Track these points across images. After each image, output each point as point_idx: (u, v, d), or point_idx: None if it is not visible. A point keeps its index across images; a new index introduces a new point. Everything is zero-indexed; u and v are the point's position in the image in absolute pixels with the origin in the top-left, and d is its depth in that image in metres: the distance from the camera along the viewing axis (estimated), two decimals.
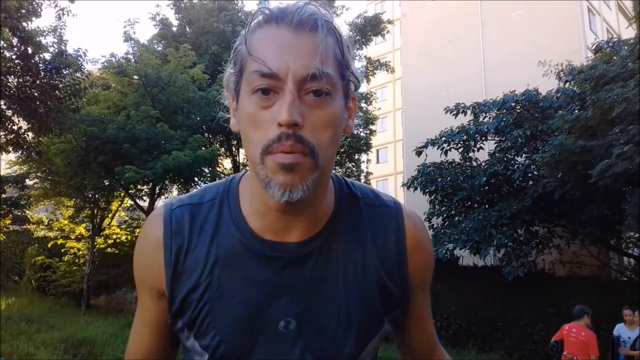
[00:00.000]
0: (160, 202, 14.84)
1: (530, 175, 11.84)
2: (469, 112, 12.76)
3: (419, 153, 12.90)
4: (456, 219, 12.43)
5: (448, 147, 12.85)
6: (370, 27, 18.83)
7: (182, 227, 0.81)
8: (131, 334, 0.90)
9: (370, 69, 19.62)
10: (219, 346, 0.77)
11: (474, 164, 13.02)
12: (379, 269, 0.82)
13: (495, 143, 12.89)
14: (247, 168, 0.84)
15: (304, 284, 0.79)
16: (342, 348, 0.78)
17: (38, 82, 9.89)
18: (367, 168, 21.90)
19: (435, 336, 1.00)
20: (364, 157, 19.83)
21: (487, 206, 12.28)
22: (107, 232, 15.82)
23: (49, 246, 16.55)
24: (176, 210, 0.83)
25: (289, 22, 0.70)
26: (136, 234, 16.00)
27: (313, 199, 0.76)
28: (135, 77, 13.42)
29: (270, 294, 0.78)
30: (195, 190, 0.88)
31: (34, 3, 9.50)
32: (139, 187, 13.96)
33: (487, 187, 12.22)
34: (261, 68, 0.69)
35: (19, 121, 10.43)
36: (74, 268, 15.86)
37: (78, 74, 10.64)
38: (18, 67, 9.79)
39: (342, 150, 17.38)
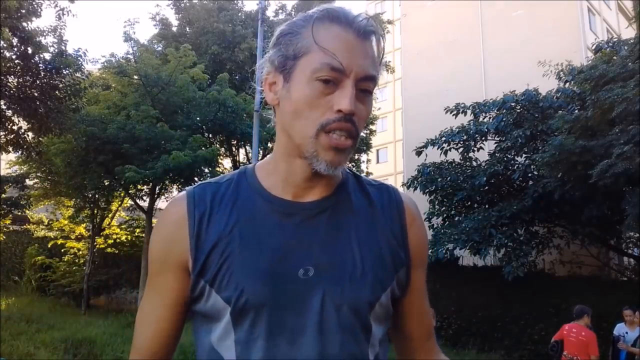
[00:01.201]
0: (160, 203, 14.86)
1: (530, 175, 11.84)
2: (469, 112, 12.76)
3: (419, 153, 12.90)
4: (456, 219, 12.43)
5: (448, 147, 12.85)
6: None
7: (204, 198, 0.89)
8: (140, 324, 0.93)
9: None
10: (242, 295, 0.81)
11: (474, 164, 13.02)
12: (385, 229, 0.92)
13: (495, 143, 12.89)
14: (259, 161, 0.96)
15: (320, 235, 0.86)
16: (360, 293, 0.85)
17: (38, 82, 9.90)
18: (367, 168, 21.89)
19: (432, 329, 1.03)
20: (364, 157, 19.82)
21: (487, 206, 12.28)
22: (107, 232, 15.82)
23: (49, 246, 16.54)
24: (197, 188, 0.92)
25: (357, 29, 0.83)
26: (136, 234, 16.01)
27: None
28: (135, 77, 13.42)
29: (289, 245, 0.85)
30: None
31: (34, 3, 9.50)
32: (139, 187, 13.96)
33: (487, 187, 12.22)
34: (332, 62, 0.81)
35: (19, 121, 10.44)
36: (74, 268, 15.85)
37: (78, 74, 10.65)
38: (18, 67, 9.79)
39: None
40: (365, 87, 0.84)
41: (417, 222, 0.97)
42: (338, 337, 0.82)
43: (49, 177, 14.69)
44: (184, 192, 0.93)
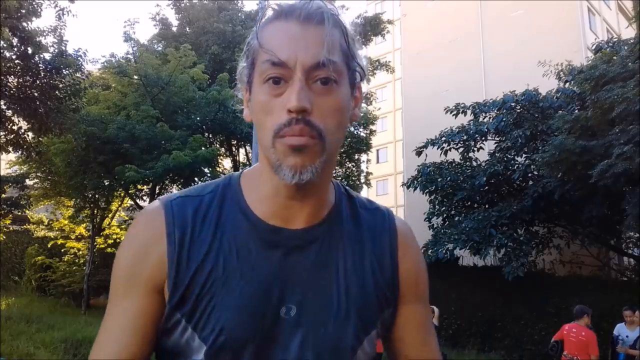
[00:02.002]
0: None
1: (530, 175, 11.85)
2: (469, 112, 12.76)
3: (419, 153, 12.90)
4: (456, 219, 12.43)
5: (448, 147, 12.86)
6: (370, 27, 18.83)
7: (185, 217, 0.80)
8: (100, 343, 0.79)
9: (370, 69, 19.61)
10: (221, 335, 0.75)
11: (474, 164, 13.03)
12: (374, 264, 0.85)
13: (495, 143, 12.89)
14: (248, 168, 0.88)
15: (306, 271, 0.80)
16: (342, 338, 0.79)
17: (38, 82, 9.90)
18: (367, 168, 21.90)
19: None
20: (364, 157, 19.82)
21: (487, 206, 12.29)
22: (107, 232, 15.82)
23: (49, 246, 16.54)
24: (176, 201, 0.82)
25: (297, 16, 0.75)
26: None
27: (319, 183, 0.79)
28: (135, 77, 13.43)
29: (273, 279, 0.78)
30: (192, 186, 0.88)
31: (34, 3, 9.50)
32: (139, 187, 13.97)
33: (487, 187, 12.22)
34: (272, 58, 0.74)
35: (19, 121, 10.44)
36: (74, 268, 15.85)
37: (78, 74, 10.65)
38: (18, 67, 9.79)
39: (342, 150, 17.39)
40: (322, 75, 0.74)
41: (411, 252, 0.90)
42: None
43: (49, 177, 14.69)
44: (158, 205, 0.82)
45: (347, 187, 0.93)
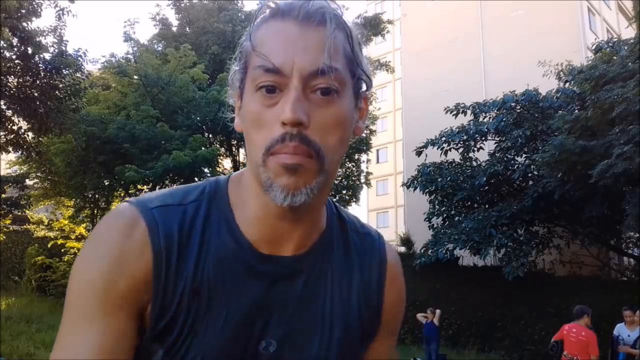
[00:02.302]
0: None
1: (530, 175, 11.85)
2: (469, 112, 12.76)
3: (419, 153, 12.91)
4: (456, 219, 12.44)
5: (448, 147, 12.86)
6: (370, 27, 18.82)
7: (171, 232, 0.69)
8: None
9: (371, 69, 19.53)
10: None
11: (474, 164, 13.03)
12: (361, 297, 0.79)
13: (495, 143, 12.90)
14: (235, 173, 0.79)
15: (290, 303, 0.73)
16: None
17: (38, 82, 9.90)
18: (367, 168, 21.89)
19: None
20: (364, 157, 19.81)
21: (487, 206, 12.29)
22: None
23: (49, 246, 16.53)
24: (157, 211, 0.70)
25: (296, 15, 0.66)
26: None
27: (314, 206, 0.71)
28: (135, 77, 13.43)
29: (257, 311, 0.71)
30: (170, 189, 0.77)
31: (34, 3, 9.50)
32: (139, 187, 13.96)
33: (487, 187, 12.23)
34: (265, 63, 0.65)
35: (19, 121, 10.44)
36: None
37: (78, 74, 10.65)
38: (18, 67, 9.80)
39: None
40: (322, 84, 0.65)
41: (396, 284, 0.83)
42: None
43: (49, 177, 14.70)
44: (136, 212, 0.69)
45: (338, 205, 0.85)
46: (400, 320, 0.86)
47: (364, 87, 0.74)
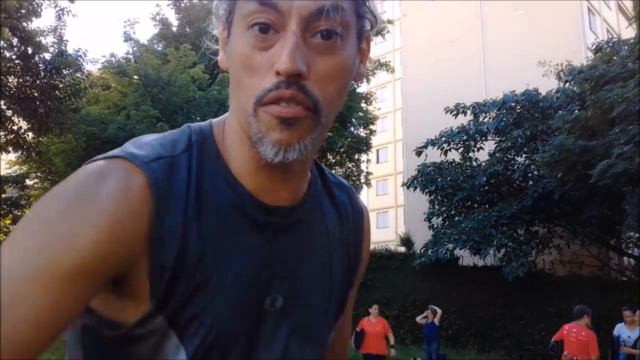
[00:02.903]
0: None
1: (530, 175, 11.86)
2: (469, 112, 12.76)
3: (419, 153, 12.91)
4: (456, 219, 12.44)
5: (448, 147, 12.86)
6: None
7: (170, 185, 0.60)
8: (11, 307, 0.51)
9: (371, 69, 19.63)
10: (210, 332, 0.61)
11: (474, 164, 13.04)
12: (350, 246, 0.76)
13: (495, 143, 12.90)
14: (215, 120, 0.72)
15: (292, 256, 0.68)
16: (325, 329, 0.72)
17: (38, 82, 9.90)
18: (367, 168, 21.90)
19: (347, 347, 0.88)
20: (364, 157, 19.82)
21: (487, 206, 12.29)
22: None
23: None
24: (153, 164, 0.60)
25: None
26: None
27: (306, 160, 0.65)
28: (135, 77, 13.44)
29: (259, 265, 0.65)
30: (154, 136, 0.67)
31: (34, 3, 9.51)
32: None
33: (487, 187, 12.23)
34: None
35: (19, 121, 10.44)
36: None
37: (78, 74, 10.65)
38: (18, 67, 9.80)
39: (342, 150, 17.40)
40: (324, 27, 0.56)
41: (368, 235, 0.82)
42: None
43: (49, 177, 14.69)
44: (130, 164, 0.58)
45: (315, 160, 0.77)
46: (364, 267, 0.84)
47: (368, 27, 0.66)
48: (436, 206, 13.06)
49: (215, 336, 0.61)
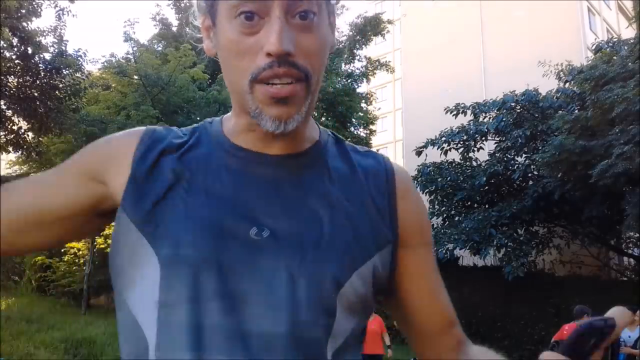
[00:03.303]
0: None
1: (530, 175, 11.86)
2: (469, 112, 12.76)
3: (419, 153, 12.91)
4: (456, 219, 12.44)
5: (448, 147, 12.86)
6: (370, 27, 18.82)
7: (163, 136, 0.76)
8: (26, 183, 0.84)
9: (370, 69, 19.62)
10: (176, 247, 0.66)
11: (474, 164, 13.03)
12: (366, 198, 0.75)
13: (495, 143, 12.90)
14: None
15: (283, 195, 0.71)
16: (323, 266, 0.68)
17: (38, 82, 9.90)
18: None
19: (450, 321, 0.82)
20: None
21: (487, 206, 12.29)
22: (107, 232, 15.79)
23: None
24: (158, 128, 0.78)
25: None
26: None
27: (302, 122, 0.71)
28: (135, 77, 13.44)
29: (243, 199, 0.70)
30: None
31: (34, 3, 9.51)
32: None
33: (487, 187, 12.23)
34: None
35: (19, 121, 10.44)
36: (74, 268, 15.85)
37: (78, 74, 10.65)
38: (18, 67, 9.80)
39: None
40: (301, 7, 0.65)
41: (410, 195, 0.80)
42: (286, 315, 0.64)
43: None
44: (143, 127, 0.79)
45: (336, 133, 0.85)
46: (428, 230, 0.83)
47: (334, 1, 0.74)
48: (436, 206, 13.06)
49: (181, 250, 0.65)
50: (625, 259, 14.02)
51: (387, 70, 19.97)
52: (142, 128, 0.78)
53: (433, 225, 12.78)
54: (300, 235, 0.69)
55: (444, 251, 11.23)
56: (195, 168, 0.72)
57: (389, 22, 19.62)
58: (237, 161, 0.73)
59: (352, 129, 18.25)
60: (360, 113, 18.25)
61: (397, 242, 0.76)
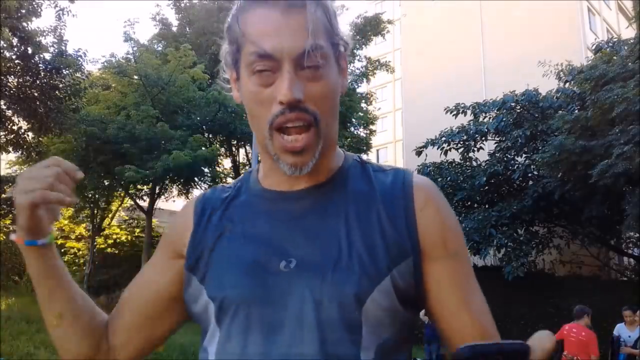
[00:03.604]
0: (160, 202, 14.83)
1: (530, 175, 11.85)
2: (469, 112, 12.76)
3: (419, 153, 12.90)
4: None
5: (448, 147, 12.85)
6: (370, 27, 18.81)
7: (212, 196, 0.91)
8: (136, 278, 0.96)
9: (370, 69, 19.61)
10: (222, 290, 0.78)
11: (474, 164, 13.03)
12: (382, 215, 0.80)
13: (495, 143, 12.89)
14: (247, 169, 0.96)
15: (306, 224, 0.80)
16: (343, 285, 0.74)
17: (38, 82, 9.90)
18: None
19: (488, 326, 0.83)
20: (364, 157, 19.82)
21: (487, 206, 12.28)
22: (107, 232, 15.83)
23: None
24: (210, 189, 0.95)
25: (280, 3, 0.75)
26: (136, 234, 16.03)
27: (319, 159, 0.81)
28: (135, 77, 13.43)
29: (275, 237, 0.80)
30: None
31: (34, 3, 9.50)
32: (139, 187, 13.96)
33: (487, 187, 12.22)
34: (258, 50, 0.75)
35: (19, 121, 10.44)
36: (74, 268, 15.87)
37: (78, 74, 10.65)
38: (18, 67, 9.79)
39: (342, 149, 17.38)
40: (310, 63, 0.74)
41: (431, 205, 0.83)
42: (316, 335, 0.72)
43: None
44: (195, 196, 0.96)
45: (365, 158, 0.95)
46: (455, 239, 0.84)
47: (342, 49, 0.83)
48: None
49: (227, 293, 0.78)
50: (625, 259, 14.02)
51: (387, 70, 19.97)
52: (195, 197, 0.94)
53: None
54: (320, 260, 0.77)
55: None
56: (235, 217, 0.85)
57: (389, 22, 19.61)
58: (268, 203, 0.84)
59: (352, 129, 18.24)
60: (360, 113, 18.25)
61: (419, 255, 0.80)
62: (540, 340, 0.62)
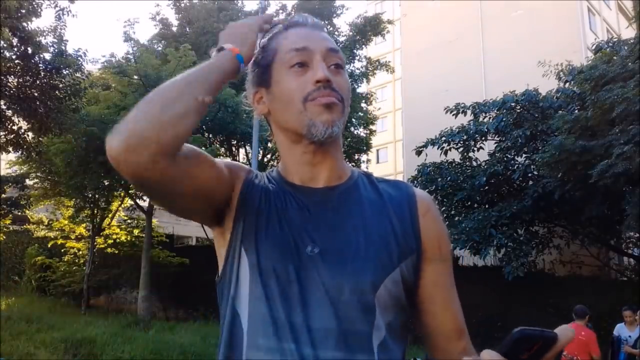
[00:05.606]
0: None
1: (530, 175, 11.84)
2: (469, 112, 12.75)
3: (419, 153, 12.90)
4: (456, 219, 12.42)
5: (448, 147, 12.85)
6: (370, 27, 18.80)
7: (255, 179, 1.02)
8: None
9: (370, 69, 19.61)
10: (262, 258, 0.90)
11: (474, 164, 13.03)
12: (393, 216, 0.96)
13: (495, 143, 12.89)
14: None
15: (329, 219, 0.93)
16: (361, 273, 0.88)
17: (38, 82, 9.89)
18: (367, 168, 21.89)
19: (462, 330, 1.01)
20: (364, 157, 19.81)
21: (487, 206, 12.28)
22: (107, 232, 15.81)
23: (49, 246, 16.53)
24: (251, 169, 1.06)
25: (308, 24, 1.01)
26: (135, 234, 16.03)
27: (336, 145, 0.99)
28: (135, 77, 13.42)
29: (303, 225, 0.93)
30: None
31: (34, 3, 9.49)
32: None
33: (487, 187, 12.22)
34: (295, 45, 0.95)
35: (19, 121, 10.43)
36: (74, 268, 15.85)
37: (78, 74, 10.63)
38: (18, 67, 9.79)
39: (342, 149, 17.38)
40: (334, 61, 0.96)
41: (431, 213, 1.00)
42: (334, 313, 0.85)
43: (49, 177, 14.69)
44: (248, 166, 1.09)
45: (363, 170, 1.11)
46: (447, 247, 1.02)
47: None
48: (436, 206, 13.05)
49: (266, 261, 0.90)
50: (625, 259, 14.02)
51: (387, 70, 19.96)
52: (248, 167, 1.06)
53: None
54: (341, 250, 0.90)
55: None
56: (273, 201, 0.96)
57: (389, 22, 19.60)
58: (296, 194, 0.97)
59: (352, 129, 18.24)
60: (360, 113, 18.24)
61: (420, 254, 0.95)
62: (564, 331, 0.74)
